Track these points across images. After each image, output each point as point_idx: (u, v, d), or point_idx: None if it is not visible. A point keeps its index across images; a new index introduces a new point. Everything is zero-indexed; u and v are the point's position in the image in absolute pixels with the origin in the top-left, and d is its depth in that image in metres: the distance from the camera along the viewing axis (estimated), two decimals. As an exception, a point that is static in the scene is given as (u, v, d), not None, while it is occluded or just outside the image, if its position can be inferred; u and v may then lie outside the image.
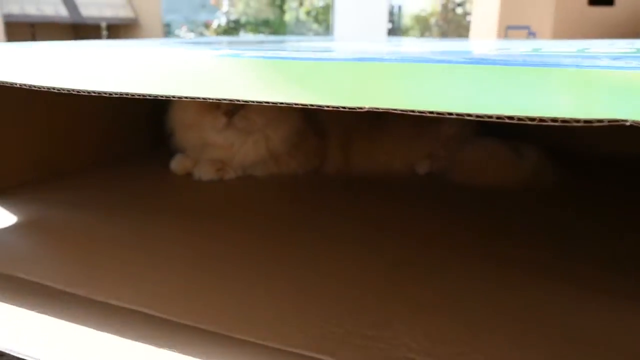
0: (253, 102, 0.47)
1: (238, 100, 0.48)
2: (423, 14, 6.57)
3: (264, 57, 0.46)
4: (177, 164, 1.22)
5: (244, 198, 1.09)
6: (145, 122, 1.38)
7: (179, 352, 0.54)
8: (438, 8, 6.45)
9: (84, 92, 0.54)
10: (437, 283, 0.71)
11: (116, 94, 0.53)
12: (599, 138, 1.33)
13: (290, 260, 0.77)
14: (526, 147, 1.17)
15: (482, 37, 2.59)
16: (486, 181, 1.14)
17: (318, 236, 0.86)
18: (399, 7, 6.70)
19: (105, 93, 0.54)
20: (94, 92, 0.54)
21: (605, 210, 1.00)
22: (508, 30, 2.39)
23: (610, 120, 0.33)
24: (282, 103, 0.46)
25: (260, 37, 5.49)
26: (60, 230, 0.88)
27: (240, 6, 7.21)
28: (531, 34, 2.35)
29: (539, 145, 1.17)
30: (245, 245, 0.83)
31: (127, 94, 0.53)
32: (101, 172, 1.22)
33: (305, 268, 0.75)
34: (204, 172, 1.17)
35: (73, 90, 0.55)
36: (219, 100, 0.49)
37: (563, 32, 2.27)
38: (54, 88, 0.56)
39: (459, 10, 6.24)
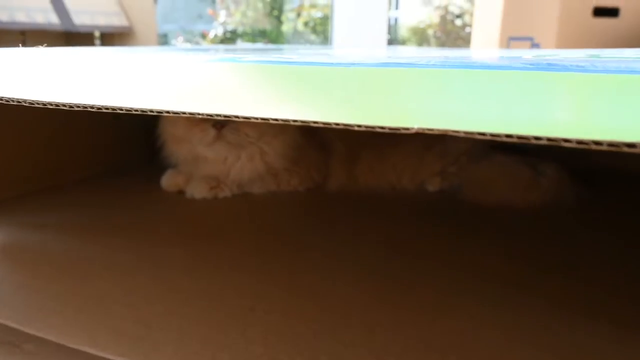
0: (258, 118, 0.38)
1: (236, 117, 0.39)
2: (421, 25, 6.53)
3: (268, 62, 0.38)
4: (168, 181, 1.13)
5: (239, 218, 1.00)
6: (140, 133, 1.29)
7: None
8: (436, 20, 6.41)
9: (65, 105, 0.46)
10: (452, 317, 0.62)
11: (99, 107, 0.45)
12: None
13: (293, 291, 0.68)
14: (545, 164, 1.09)
15: (484, 48, 2.52)
16: (501, 200, 1.05)
17: (320, 261, 0.78)
18: (395, 19, 6.67)
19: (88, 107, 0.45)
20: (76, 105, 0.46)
21: (635, 233, 0.92)
22: (510, 41, 2.32)
23: None
24: (295, 121, 0.37)
25: (259, 45, 5.43)
26: (30, 259, 0.79)
27: (238, 16, 7.16)
28: (535, 45, 2.29)
29: (558, 162, 1.08)
30: (243, 276, 0.74)
31: (114, 108, 0.44)
32: (88, 189, 1.13)
33: (310, 299, 0.66)
34: (197, 190, 1.08)
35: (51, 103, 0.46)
36: (215, 115, 0.41)
37: (567, 42, 2.20)
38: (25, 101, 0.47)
39: (458, 22, 6.20)
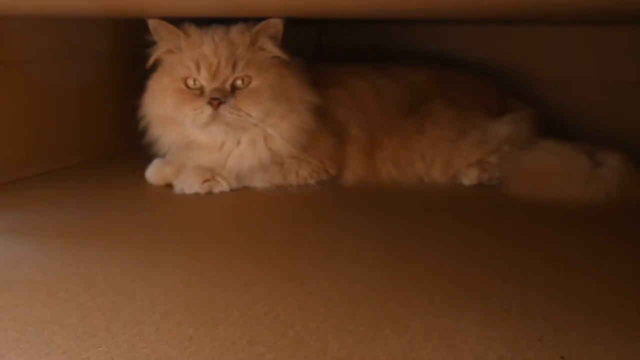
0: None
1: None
2: None
3: None
4: (154, 173, 0.95)
5: (238, 218, 0.82)
6: (118, 116, 1.11)
7: None
8: None
9: None
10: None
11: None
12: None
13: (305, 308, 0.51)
14: (606, 152, 0.90)
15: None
16: (553, 195, 0.88)
17: (340, 274, 0.60)
18: None
19: None
20: None
21: None
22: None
23: None
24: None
25: None
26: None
27: None
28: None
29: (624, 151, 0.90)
30: (243, 293, 0.56)
31: None
32: (62, 181, 0.95)
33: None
34: (188, 184, 0.90)
35: None
36: None
37: None
38: None
39: None
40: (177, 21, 0.89)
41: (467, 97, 1.02)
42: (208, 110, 0.85)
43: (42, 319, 0.51)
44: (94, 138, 1.09)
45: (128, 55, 1.10)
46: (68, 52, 1.01)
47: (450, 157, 0.96)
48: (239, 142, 0.90)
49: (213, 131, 0.88)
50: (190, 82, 0.87)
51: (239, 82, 0.87)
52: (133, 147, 0.98)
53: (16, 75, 0.92)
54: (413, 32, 1.29)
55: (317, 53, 1.41)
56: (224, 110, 0.85)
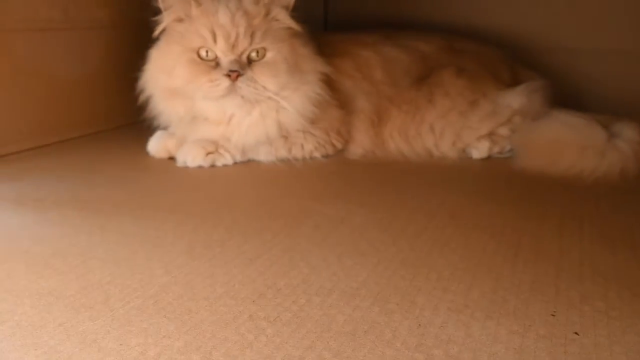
0: None
1: None
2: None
3: None
4: (157, 145, 0.93)
5: (241, 192, 0.80)
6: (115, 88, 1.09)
7: None
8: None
9: None
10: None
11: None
12: None
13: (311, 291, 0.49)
14: (622, 123, 0.87)
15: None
16: (566, 168, 0.85)
17: (345, 248, 0.58)
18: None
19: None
20: None
21: None
22: None
23: None
24: None
25: None
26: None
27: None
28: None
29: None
30: (246, 267, 0.54)
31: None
32: (62, 154, 0.93)
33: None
34: (191, 156, 0.88)
35: None
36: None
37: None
38: None
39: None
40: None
41: (478, 67, 0.98)
42: (225, 83, 0.82)
43: (38, 291, 0.49)
44: (95, 110, 1.07)
45: (130, 24, 1.08)
46: (67, 21, 0.98)
47: (461, 129, 0.93)
48: (249, 114, 0.87)
49: (227, 104, 0.85)
50: (203, 53, 0.83)
51: (253, 54, 0.84)
52: (137, 120, 0.96)
53: (14, 45, 0.90)
54: (421, 1, 1.25)
55: (324, 24, 1.37)
56: (241, 82, 0.82)
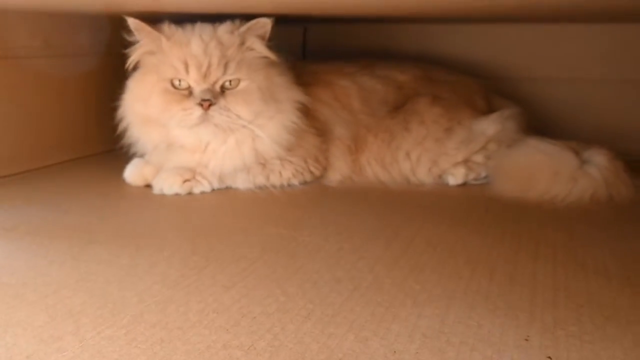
0: None
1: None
2: None
3: None
4: (133, 173, 0.92)
5: (218, 220, 0.80)
6: (96, 115, 1.08)
7: None
8: None
9: None
10: None
11: None
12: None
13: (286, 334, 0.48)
14: (593, 150, 0.90)
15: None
16: (540, 194, 0.86)
17: (321, 276, 0.58)
18: None
19: None
20: None
21: None
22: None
23: None
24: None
25: None
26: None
27: None
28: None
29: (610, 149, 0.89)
30: (219, 297, 0.54)
31: None
32: (38, 181, 0.92)
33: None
34: (168, 184, 0.87)
35: None
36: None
37: None
38: None
39: None
40: (159, 19, 0.87)
41: (453, 95, 1.00)
42: (198, 112, 0.82)
43: (6, 322, 0.48)
44: (72, 138, 1.07)
45: (110, 53, 1.08)
46: (47, 48, 0.98)
47: (437, 155, 0.94)
48: (224, 143, 0.88)
49: (201, 132, 0.86)
50: (177, 83, 0.84)
51: (227, 83, 0.85)
52: (114, 147, 0.96)
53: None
54: (398, 31, 1.28)
55: (302, 53, 1.39)
56: (213, 111, 0.83)
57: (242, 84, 0.85)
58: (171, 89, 0.84)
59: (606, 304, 0.54)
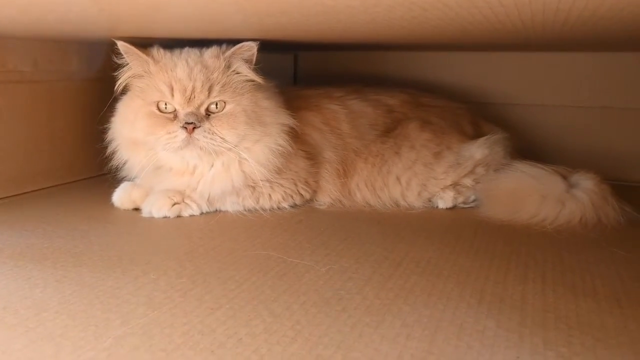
0: None
1: None
2: None
3: None
4: (122, 196, 0.91)
5: (206, 242, 0.79)
6: (84, 138, 1.08)
7: None
8: None
9: None
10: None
11: None
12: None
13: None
14: (580, 174, 0.90)
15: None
16: (528, 217, 0.87)
17: (309, 297, 0.57)
18: None
19: None
20: None
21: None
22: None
23: None
24: None
25: None
26: None
27: None
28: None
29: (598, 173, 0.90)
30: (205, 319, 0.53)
31: None
32: (25, 206, 0.91)
33: None
34: (157, 207, 0.87)
35: None
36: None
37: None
38: None
39: None
40: (149, 43, 0.88)
41: (442, 120, 1.01)
42: (182, 135, 0.82)
43: (-17, 346, 0.47)
44: (61, 163, 1.06)
45: (99, 78, 1.08)
46: (37, 73, 0.99)
47: (426, 179, 0.95)
48: (211, 166, 0.88)
49: (186, 155, 0.86)
50: (163, 106, 0.85)
51: (213, 107, 0.85)
52: (102, 172, 0.95)
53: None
54: (387, 58, 1.30)
55: (294, 80, 1.41)
56: (198, 134, 0.83)
57: (228, 107, 0.85)
58: (157, 112, 0.85)
59: (596, 326, 0.53)
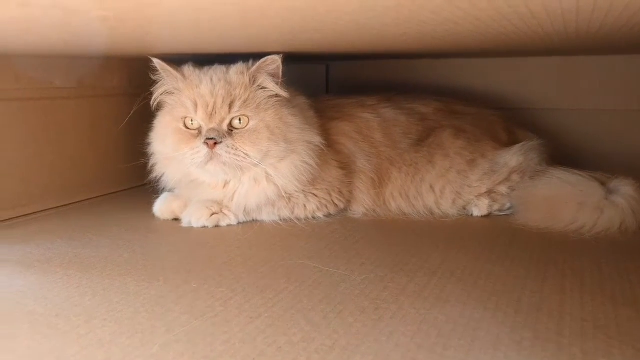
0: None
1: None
2: None
3: None
4: (162, 207, 0.95)
5: (244, 251, 0.81)
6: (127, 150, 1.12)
7: None
8: None
9: None
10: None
11: None
12: None
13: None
14: (619, 180, 0.89)
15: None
16: (565, 224, 0.86)
17: (346, 306, 0.58)
18: None
19: None
20: None
21: None
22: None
23: None
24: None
25: None
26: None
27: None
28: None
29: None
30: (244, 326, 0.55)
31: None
32: (71, 216, 0.95)
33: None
34: (196, 217, 0.90)
35: None
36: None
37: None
38: None
39: None
40: (181, 60, 0.91)
41: (476, 128, 1.01)
42: (204, 150, 0.85)
43: (40, 352, 0.50)
44: (104, 175, 1.10)
45: (139, 93, 1.13)
46: (80, 89, 1.03)
47: (460, 187, 0.95)
48: (241, 181, 0.90)
49: (210, 170, 0.87)
50: (189, 122, 0.88)
51: (236, 122, 0.86)
52: (143, 183, 0.99)
53: (26, 112, 0.94)
54: (418, 66, 1.31)
55: (326, 90, 1.43)
56: (220, 150, 0.84)
57: (251, 123, 0.86)
58: (183, 128, 0.88)
59: (636, 336, 0.53)
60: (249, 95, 0.87)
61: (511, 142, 1.01)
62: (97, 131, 1.08)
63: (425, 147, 0.98)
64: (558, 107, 1.20)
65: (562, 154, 1.05)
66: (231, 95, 0.86)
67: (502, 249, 0.78)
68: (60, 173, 1.01)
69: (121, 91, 1.12)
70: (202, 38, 0.69)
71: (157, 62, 0.88)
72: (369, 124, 0.99)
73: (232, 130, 0.86)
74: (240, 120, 0.86)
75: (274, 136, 0.87)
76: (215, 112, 0.85)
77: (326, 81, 1.43)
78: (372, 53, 1.05)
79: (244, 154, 0.86)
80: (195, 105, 0.86)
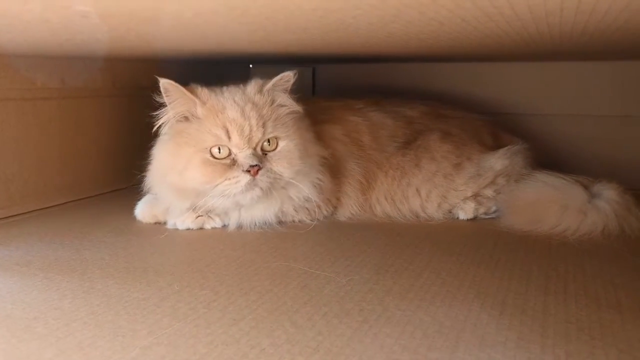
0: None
1: None
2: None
3: None
4: (144, 210, 0.93)
5: (228, 254, 0.80)
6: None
7: None
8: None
9: None
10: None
11: None
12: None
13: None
14: (602, 184, 0.90)
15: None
16: (549, 227, 0.86)
17: (330, 308, 0.58)
18: None
19: None
20: None
21: None
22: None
23: None
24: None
25: None
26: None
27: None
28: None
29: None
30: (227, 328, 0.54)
31: None
32: (52, 219, 0.94)
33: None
34: (181, 219, 0.88)
35: None
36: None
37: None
38: None
39: None
40: (165, 61, 0.90)
41: (462, 132, 1.02)
42: (245, 179, 0.80)
43: (16, 355, 0.48)
44: (85, 177, 1.09)
45: (126, 94, 1.11)
46: (64, 90, 1.02)
47: (446, 191, 0.95)
48: (254, 206, 0.86)
49: (246, 198, 0.82)
50: (216, 151, 0.81)
51: (266, 144, 0.83)
52: (125, 186, 0.98)
53: (6, 112, 0.93)
54: (404, 70, 1.31)
55: (312, 92, 1.43)
56: (262, 175, 0.81)
57: (282, 143, 0.84)
58: (211, 159, 0.81)
59: (619, 338, 0.53)
60: (272, 115, 0.84)
61: (496, 146, 1.02)
62: (80, 132, 1.06)
63: (412, 150, 0.98)
64: (543, 112, 1.21)
65: (546, 158, 1.06)
66: (262, 117, 0.82)
67: (487, 252, 0.79)
68: (42, 175, 0.99)
69: (105, 92, 1.10)
70: (186, 36, 0.68)
71: (168, 83, 0.81)
72: (357, 127, 0.99)
73: (265, 154, 0.83)
74: (269, 142, 0.83)
75: (301, 154, 0.85)
76: (252, 136, 0.81)
77: (312, 84, 1.43)
78: (359, 56, 1.05)
79: (279, 175, 0.83)
80: (226, 131, 0.80)
